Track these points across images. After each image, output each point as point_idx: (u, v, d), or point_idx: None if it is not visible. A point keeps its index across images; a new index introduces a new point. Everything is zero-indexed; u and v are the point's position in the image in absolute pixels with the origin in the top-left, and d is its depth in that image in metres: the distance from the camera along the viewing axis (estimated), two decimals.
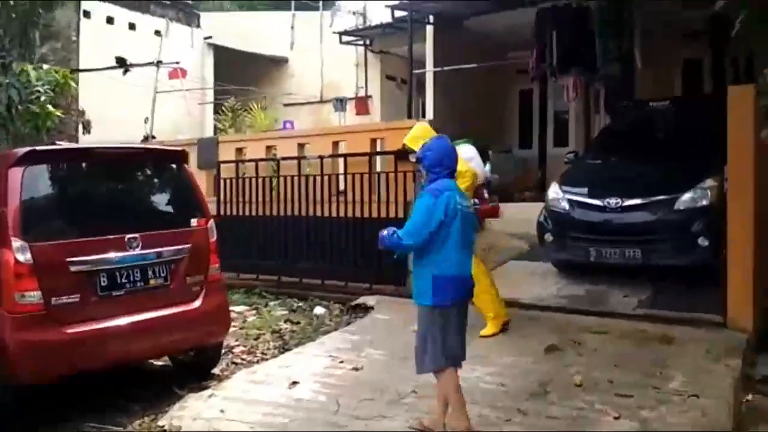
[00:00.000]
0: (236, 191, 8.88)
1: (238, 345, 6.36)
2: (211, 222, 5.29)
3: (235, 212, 8.90)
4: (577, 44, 9.33)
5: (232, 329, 6.86)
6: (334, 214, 7.96)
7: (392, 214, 7.44)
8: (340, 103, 14.61)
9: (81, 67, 12.17)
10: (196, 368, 5.50)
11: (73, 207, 4.63)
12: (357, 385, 4.95)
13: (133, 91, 12.83)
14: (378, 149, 7.91)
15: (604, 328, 5.91)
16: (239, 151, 9.15)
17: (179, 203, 5.27)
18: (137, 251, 4.70)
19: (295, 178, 8.27)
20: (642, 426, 4.07)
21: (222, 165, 9.10)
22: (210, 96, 15.21)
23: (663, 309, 6.27)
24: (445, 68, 11.70)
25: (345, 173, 7.82)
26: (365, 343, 5.94)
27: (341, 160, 8.09)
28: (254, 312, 7.67)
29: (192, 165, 9.74)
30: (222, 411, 4.55)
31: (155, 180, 5.26)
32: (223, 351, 6.10)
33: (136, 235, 4.69)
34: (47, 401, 4.80)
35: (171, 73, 12.18)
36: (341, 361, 5.48)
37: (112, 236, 4.62)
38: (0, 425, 4.39)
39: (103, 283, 4.53)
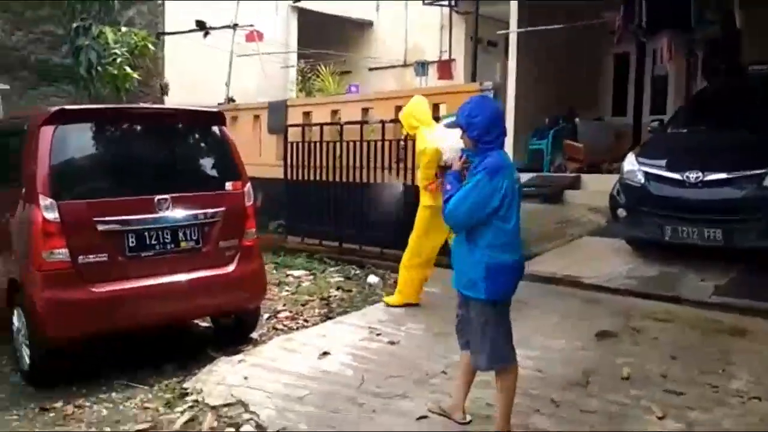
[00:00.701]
0: (303, 156, 8.79)
1: (284, 310, 6.29)
2: (249, 186, 5.16)
3: (301, 177, 8.83)
4: (670, 3, 8.44)
5: (284, 293, 6.89)
6: (393, 181, 7.69)
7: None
8: (421, 68, 14.17)
9: (167, 30, 12.36)
10: (235, 332, 5.45)
11: (103, 166, 4.62)
12: (388, 361, 4.74)
13: (221, 55, 12.96)
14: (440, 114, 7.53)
15: (670, 316, 5.37)
16: (306, 115, 9.02)
17: (214, 166, 5.17)
18: (167, 213, 4.64)
19: (357, 144, 8.04)
20: (687, 428, 3.61)
21: (290, 129, 9.02)
22: (293, 60, 15.17)
23: (743, 298, 5.61)
24: (530, 29, 11.03)
25: (405, 139, 7.51)
26: (408, 316, 5.70)
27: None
28: (312, 277, 7.60)
29: (263, 128, 9.83)
30: (245, 378, 4.46)
31: (189, 142, 5.17)
32: (267, 315, 6.08)
33: (167, 196, 4.63)
34: (85, 358, 4.90)
35: (247, 36, 12.17)
36: (378, 334, 5.28)
37: (141, 197, 4.58)
38: (36, 379, 4.50)
39: (131, 244, 4.51)
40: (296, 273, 7.78)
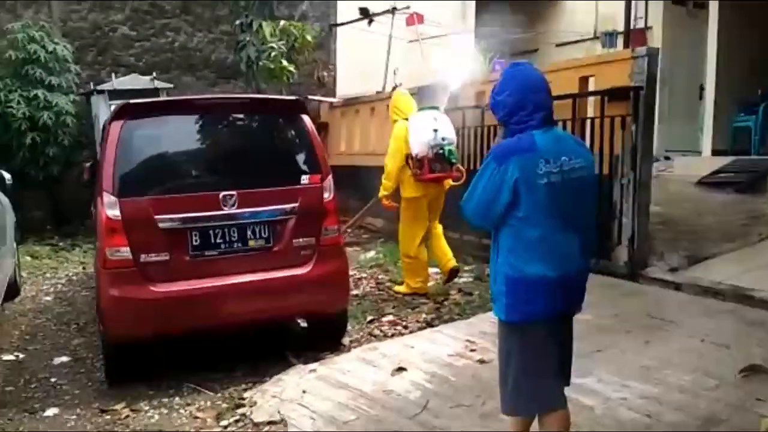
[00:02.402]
0: None
1: (391, 313, 5.80)
2: (329, 179, 4.73)
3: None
4: None
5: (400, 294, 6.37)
6: None
7: (596, 171, 6.02)
8: (609, 38, 12.64)
9: (338, 21, 12.43)
10: (324, 337, 5.08)
11: (168, 162, 4.48)
12: (466, 384, 4.05)
13: (394, 43, 12.71)
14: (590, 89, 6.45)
15: None
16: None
17: (290, 158, 4.81)
18: (233, 210, 4.39)
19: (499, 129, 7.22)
20: None
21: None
22: (471, 42, 14.43)
23: None
24: None
25: None
26: None
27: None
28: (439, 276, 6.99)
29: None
30: (304, 392, 4.09)
31: (263, 133, 4.86)
32: (371, 318, 5.64)
33: (233, 192, 4.38)
34: (170, 355, 4.87)
35: (408, 20, 11.73)
36: (473, 350, 4.59)
37: (205, 193, 4.38)
38: (110, 377, 4.53)
39: (195, 243, 4.33)
40: (432, 270, 7.22)
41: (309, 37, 10.10)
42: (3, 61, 8.93)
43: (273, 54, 9.37)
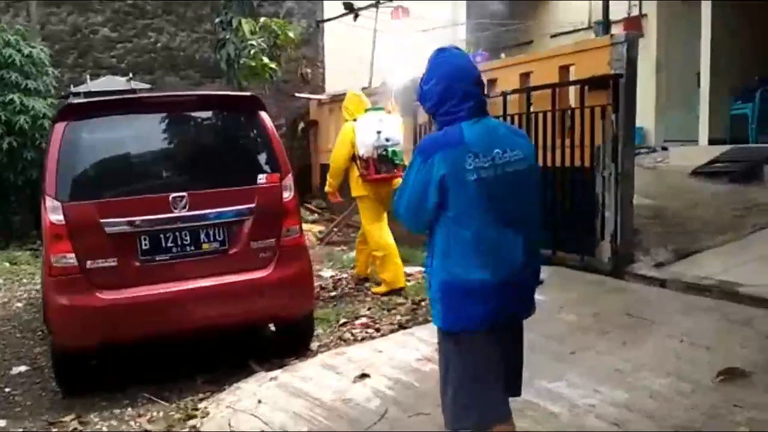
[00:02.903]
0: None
1: (366, 315, 5.58)
2: (289, 178, 4.51)
3: None
4: None
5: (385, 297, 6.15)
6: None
7: (577, 162, 5.79)
8: (601, 28, 12.30)
9: (325, 17, 12.21)
10: (290, 342, 4.86)
11: (114, 163, 4.25)
12: (430, 391, 3.77)
13: (381, 37, 12.49)
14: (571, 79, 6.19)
15: None
16: None
17: (246, 157, 4.59)
18: (184, 212, 4.17)
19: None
20: None
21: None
22: (462, 35, 14.17)
23: None
24: None
25: (527, 113, 6.31)
26: None
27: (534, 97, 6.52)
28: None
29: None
30: (259, 401, 3.89)
31: (216, 131, 4.64)
32: (342, 321, 5.42)
33: (183, 193, 4.16)
34: (129, 362, 4.67)
35: (392, 13, 11.47)
36: None
37: (154, 195, 4.17)
38: (62, 387, 4.34)
39: (144, 247, 4.12)
40: (413, 269, 6.99)
41: (291, 34, 9.87)
42: None
43: (253, 51, 9.15)
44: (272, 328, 5.22)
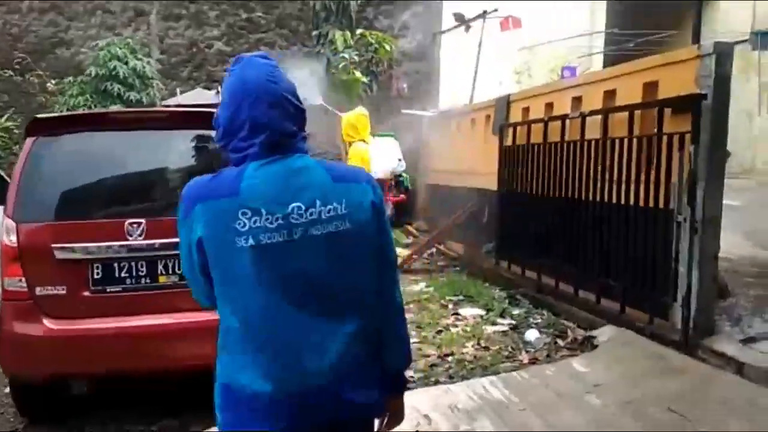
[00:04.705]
0: (513, 162, 7.06)
1: None
2: None
3: (515, 188, 7.11)
4: None
5: (414, 342, 5.40)
6: (590, 197, 5.49)
7: (651, 203, 4.69)
8: (759, 38, 10.48)
9: (443, 29, 11.60)
10: None
11: (74, 183, 3.93)
12: None
13: (504, 50, 11.69)
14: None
15: None
16: (526, 111, 7.22)
17: None
18: (140, 240, 3.79)
19: (557, 146, 6.02)
20: None
21: (508, 130, 7.34)
22: (599, 45, 12.80)
23: None
24: None
25: (602, 139, 5.26)
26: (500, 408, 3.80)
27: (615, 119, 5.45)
28: (480, 321, 5.93)
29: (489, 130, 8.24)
30: None
31: (183, 151, 4.16)
32: None
33: (141, 220, 3.79)
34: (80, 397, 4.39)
35: (502, 24, 10.51)
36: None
37: (110, 220, 3.83)
38: (22, 414, 4.15)
39: (96, 276, 3.78)
40: (468, 312, 6.19)
41: (387, 47, 9.37)
42: (86, 77, 9.23)
43: (342, 65, 8.77)
44: None
